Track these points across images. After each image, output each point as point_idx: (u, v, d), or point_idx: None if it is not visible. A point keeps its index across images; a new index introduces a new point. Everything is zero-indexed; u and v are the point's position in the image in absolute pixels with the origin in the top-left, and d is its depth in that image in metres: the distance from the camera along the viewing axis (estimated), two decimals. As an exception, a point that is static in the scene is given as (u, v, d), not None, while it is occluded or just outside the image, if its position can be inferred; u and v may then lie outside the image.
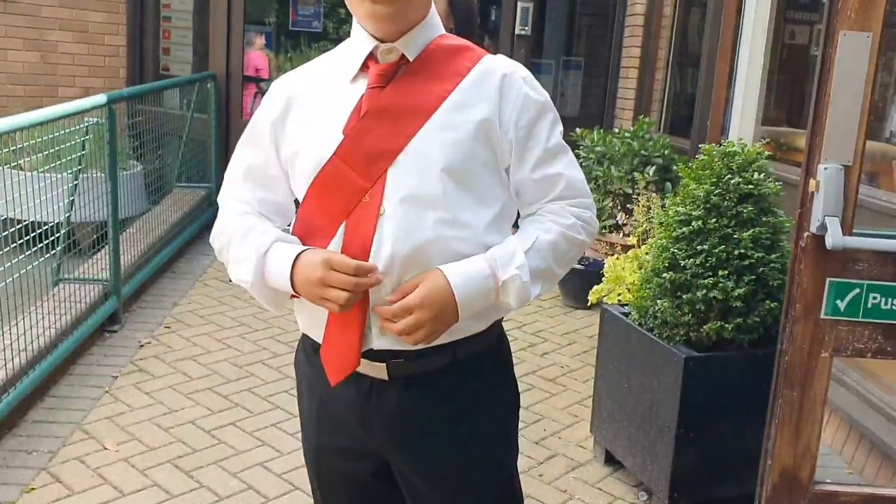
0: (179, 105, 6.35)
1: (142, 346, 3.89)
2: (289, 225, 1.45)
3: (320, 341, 1.40)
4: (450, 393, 1.42)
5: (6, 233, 3.13)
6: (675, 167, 4.91)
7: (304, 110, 1.40)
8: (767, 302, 2.67)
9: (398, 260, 1.31)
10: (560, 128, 1.45)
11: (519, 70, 1.41)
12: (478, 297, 1.33)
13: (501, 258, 1.34)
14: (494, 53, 1.44)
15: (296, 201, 1.45)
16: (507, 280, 1.33)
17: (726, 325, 2.64)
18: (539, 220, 1.41)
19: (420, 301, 1.29)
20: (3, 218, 3.16)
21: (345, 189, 1.34)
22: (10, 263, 3.14)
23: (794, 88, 5.89)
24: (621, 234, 4.87)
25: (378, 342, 1.36)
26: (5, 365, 3.04)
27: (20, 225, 3.35)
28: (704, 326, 2.66)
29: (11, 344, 3.12)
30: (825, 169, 2.20)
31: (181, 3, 6.60)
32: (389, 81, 1.36)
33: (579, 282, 4.85)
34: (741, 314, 2.65)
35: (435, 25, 1.42)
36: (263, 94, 6.11)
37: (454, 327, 1.35)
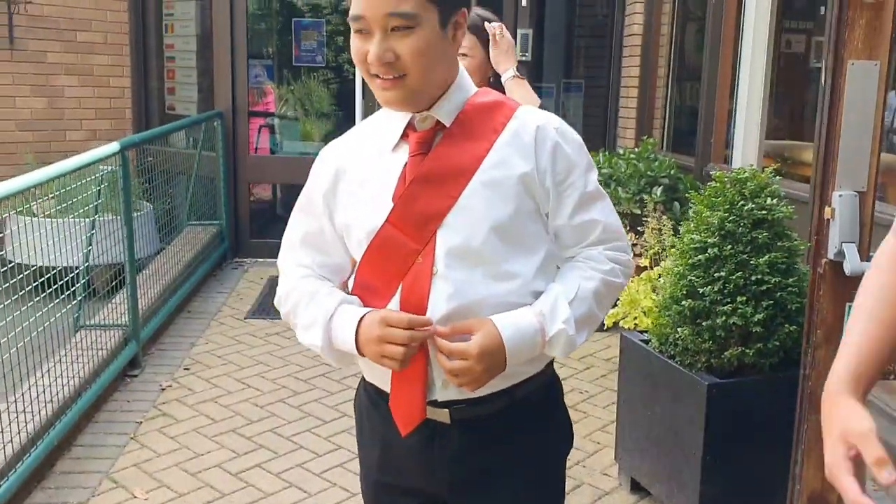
0: (186, 143, 6.40)
1: (163, 389, 3.91)
2: (349, 277, 1.52)
3: (386, 389, 1.46)
4: (507, 435, 1.48)
5: (18, 278, 3.15)
6: (681, 186, 4.96)
7: (353, 181, 1.46)
8: (786, 326, 2.69)
9: (454, 317, 1.37)
10: (595, 174, 1.49)
11: (552, 121, 1.45)
12: (525, 349, 1.38)
13: (549, 313, 1.38)
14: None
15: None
16: (555, 334, 1.38)
17: (747, 351, 2.66)
18: (579, 268, 1.45)
19: (478, 351, 1.34)
20: (15, 264, 3.17)
21: (399, 252, 1.40)
22: (37, 313, 3.17)
23: (796, 101, 5.94)
24: (631, 255, 4.90)
25: (441, 394, 1.42)
26: (33, 418, 3.06)
27: (27, 271, 3.37)
28: (725, 353, 2.68)
29: (38, 396, 3.14)
30: (840, 196, 2.23)
31: (184, 43, 6.67)
32: (430, 148, 1.42)
33: (592, 304, 4.89)
34: (761, 339, 2.67)
35: (466, 86, 1.46)
36: (268, 127, 6.15)
37: (508, 372, 1.40)
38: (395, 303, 1.40)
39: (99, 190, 3.89)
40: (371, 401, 1.54)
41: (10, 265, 3.00)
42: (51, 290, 3.37)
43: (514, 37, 6.05)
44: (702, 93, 5.39)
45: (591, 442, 3.51)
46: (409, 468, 1.51)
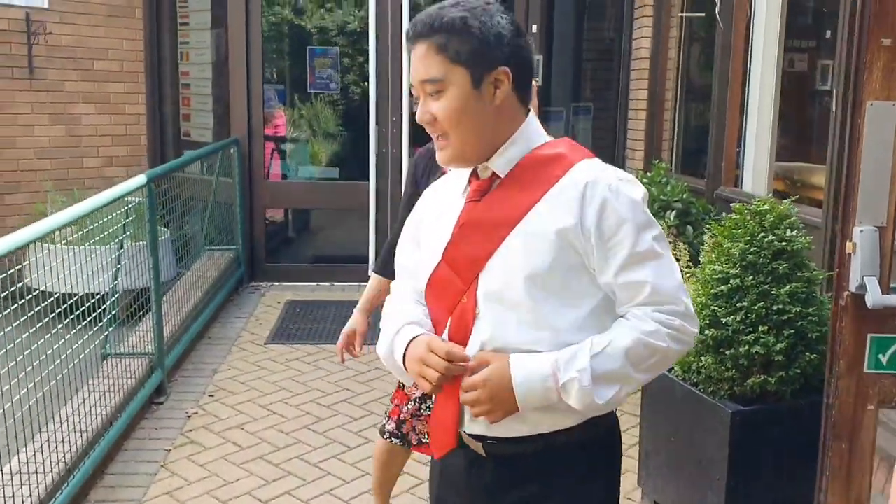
0: (201, 170, 6.49)
1: (189, 416, 3.98)
2: None
3: None
4: (538, 478, 1.54)
5: (42, 305, 3.22)
6: (693, 210, 5.04)
7: (431, 219, 1.62)
8: (807, 354, 2.76)
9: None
10: (653, 233, 1.48)
11: (607, 176, 1.48)
12: (536, 392, 1.44)
13: (566, 362, 1.43)
14: None
15: None
16: (567, 382, 1.42)
17: (769, 379, 2.73)
18: (621, 325, 1.48)
19: (482, 382, 1.45)
20: (39, 292, 3.21)
21: (448, 290, 1.53)
22: (61, 341, 3.24)
23: (803, 122, 6.03)
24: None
25: (470, 427, 1.52)
26: (70, 448, 3.13)
27: (51, 298, 3.44)
28: (748, 381, 2.75)
29: (73, 427, 3.21)
30: (861, 231, 2.30)
31: (200, 70, 6.78)
32: (484, 195, 1.53)
33: (607, 327, 4.95)
34: (782, 367, 2.74)
35: (529, 139, 1.54)
36: (279, 152, 6.22)
37: (540, 418, 1.48)
38: (445, 336, 1.53)
39: (125, 222, 3.96)
40: None
41: (34, 293, 3.02)
42: (72, 316, 3.41)
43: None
44: (711, 115, 5.47)
45: (612, 466, 3.57)
46: (458, 489, 1.62)
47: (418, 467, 3.49)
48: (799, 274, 2.80)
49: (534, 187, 1.49)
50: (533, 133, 1.55)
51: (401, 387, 2.74)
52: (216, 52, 6.64)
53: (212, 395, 4.23)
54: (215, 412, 4.04)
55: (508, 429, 1.49)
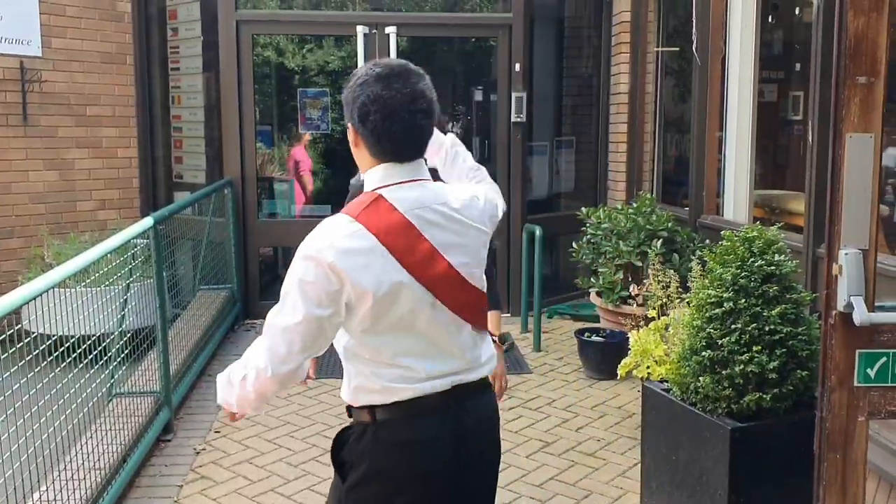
0: (193, 210, 6.59)
1: (198, 452, 4.05)
2: None
3: None
4: None
5: (41, 348, 3.30)
6: (678, 238, 5.22)
7: None
8: (798, 371, 2.92)
9: None
10: (294, 271, 1.74)
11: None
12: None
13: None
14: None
15: None
16: None
17: (764, 396, 2.89)
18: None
19: None
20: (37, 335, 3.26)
21: None
22: (61, 381, 3.32)
23: (779, 151, 6.27)
24: (634, 305, 5.13)
25: None
26: (87, 487, 3.20)
27: (48, 341, 3.52)
28: (744, 398, 2.90)
29: (92, 465, 3.28)
30: (846, 254, 2.47)
31: (191, 114, 6.91)
32: None
33: (599, 354, 5.10)
34: (776, 385, 2.90)
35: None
36: (273, 192, 6.31)
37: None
38: None
39: (131, 267, 4.06)
40: None
41: (32, 336, 3.03)
42: (71, 358, 3.44)
43: (509, 99, 6.40)
44: (691, 146, 5.68)
45: (614, 488, 3.69)
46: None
47: None
48: (788, 296, 2.96)
49: None
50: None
51: None
52: (207, 95, 6.78)
53: (218, 432, 4.31)
54: (223, 447, 4.12)
55: None
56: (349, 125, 1.83)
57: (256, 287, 6.57)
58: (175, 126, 6.92)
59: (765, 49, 5.49)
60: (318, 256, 1.69)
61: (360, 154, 1.85)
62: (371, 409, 1.81)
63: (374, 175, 1.82)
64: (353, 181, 2.98)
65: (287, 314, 1.72)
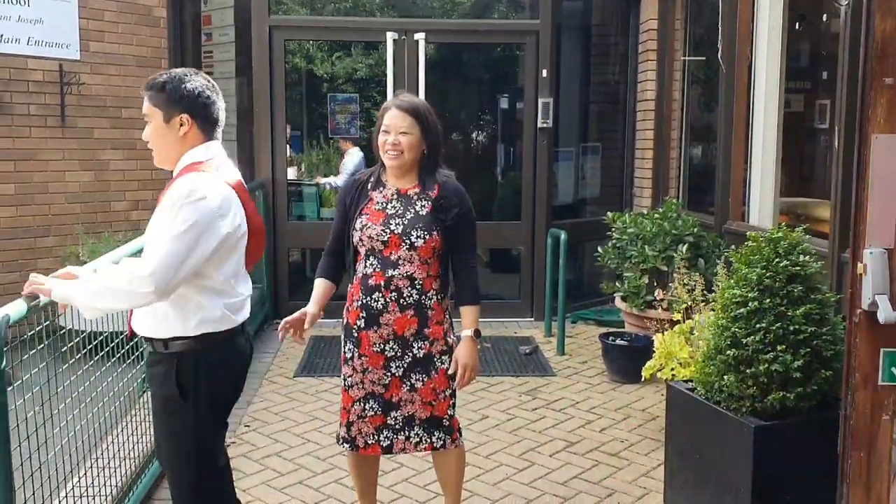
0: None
1: (228, 445, 4.12)
2: None
3: None
4: None
5: (72, 341, 3.41)
6: (704, 244, 5.25)
7: None
8: (823, 371, 2.95)
9: None
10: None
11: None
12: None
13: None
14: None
15: None
16: None
17: (788, 395, 2.92)
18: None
19: None
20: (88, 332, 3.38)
21: None
22: (93, 374, 3.42)
23: (805, 159, 6.28)
24: (659, 309, 5.17)
25: None
26: (122, 474, 3.30)
27: (78, 337, 3.62)
28: (768, 397, 2.94)
29: (126, 455, 3.38)
30: (871, 253, 2.51)
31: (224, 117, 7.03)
32: None
33: (624, 357, 5.14)
34: (800, 384, 2.93)
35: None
36: (304, 195, 6.45)
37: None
38: None
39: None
40: None
41: (62, 330, 3.14)
42: (102, 353, 3.55)
43: (536, 105, 6.47)
44: (718, 154, 5.71)
45: (637, 487, 3.73)
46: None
47: (412, 459, 3.68)
48: (812, 296, 3.00)
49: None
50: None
51: (346, 388, 2.96)
52: (239, 99, 6.91)
53: (248, 426, 4.40)
54: (252, 441, 4.20)
55: None
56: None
57: (285, 287, 6.67)
58: (209, 129, 7.03)
59: (792, 58, 5.52)
60: None
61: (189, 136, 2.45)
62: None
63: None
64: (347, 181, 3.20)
65: None
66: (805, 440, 2.95)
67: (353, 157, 7.60)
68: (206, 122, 2.43)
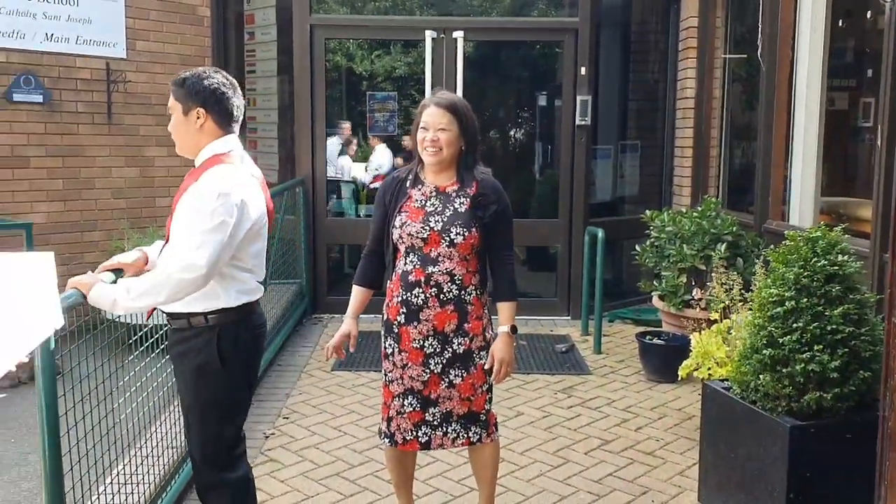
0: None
1: (267, 437, 4.22)
2: None
3: None
4: None
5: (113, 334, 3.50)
6: (743, 243, 5.21)
7: None
8: (861, 372, 2.93)
9: None
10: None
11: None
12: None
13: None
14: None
15: None
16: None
17: (825, 395, 2.90)
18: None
19: None
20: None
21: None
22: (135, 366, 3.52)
23: (848, 158, 6.19)
24: (697, 309, 5.14)
25: None
26: (165, 464, 3.39)
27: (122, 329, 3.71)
28: (805, 397, 2.92)
29: (169, 445, 3.47)
30: (910, 253, 2.49)
31: (266, 115, 7.16)
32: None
33: (660, 356, 5.12)
34: (838, 384, 2.91)
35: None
36: (342, 192, 6.56)
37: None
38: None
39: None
40: None
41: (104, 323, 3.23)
42: (146, 345, 3.64)
43: (574, 102, 6.47)
44: (758, 152, 5.66)
45: (672, 486, 3.73)
46: None
47: (448, 454, 3.71)
48: (851, 296, 2.98)
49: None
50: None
51: (386, 384, 3.01)
52: (281, 97, 7.01)
53: (286, 418, 4.48)
54: (291, 433, 4.28)
55: None
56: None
57: (324, 282, 6.76)
58: (250, 127, 7.16)
59: (835, 55, 5.44)
60: None
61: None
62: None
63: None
64: (386, 179, 3.21)
65: None
66: (842, 441, 2.93)
67: (379, 153, 7.68)
68: (221, 116, 2.61)
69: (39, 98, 6.16)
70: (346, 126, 7.85)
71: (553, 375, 5.30)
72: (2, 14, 5.94)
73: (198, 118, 2.58)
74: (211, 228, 2.43)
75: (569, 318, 6.70)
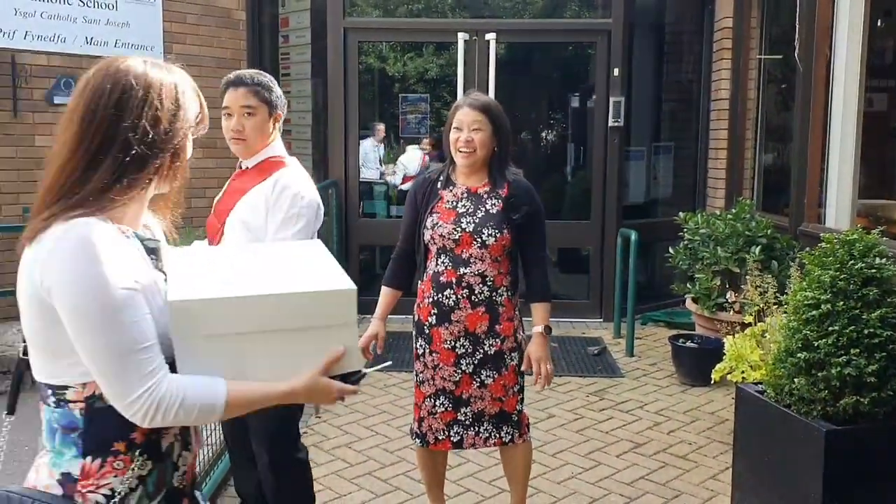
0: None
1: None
2: None
3: None
4: None
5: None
6: (778, 245, 5.16)
7: None
8: (899, 376, 2.88)
9: None
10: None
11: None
12: None
13: None
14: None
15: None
16: None
17: (862, 400, 2.86)
18: None
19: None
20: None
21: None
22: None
23: (887, 161, 6.10)
24: (731, 312, 5.10)
25: None
26: (200, 461, 3.44)
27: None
28: (841, 401, 2.88)
29: (204, 442, 3.53)
30: (949, 257, 2.46)
31: (300, 118, 7.22)
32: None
33: (693, 360, 5.09)
34: (875, 389, 2.87)
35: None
36: (374, 193, 6.65)
37: None
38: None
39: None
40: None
41: None
42: None
43: (607, 103, 6.45)
44: (793, 154, 5.60)
45: (705, 489, 3.71)
46: None
47: (479, 454, 3.71)
48: (889, 300, 2.93)
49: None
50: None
51: (417, 385, 3.02)
52: (315, 100, 7.08)
53: (319, 417, 4.52)
54: (323, 432, 4.32)
55: None
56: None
57: (356, 283, 6.78)
58: (285, 129, 7.22)
59: (874, 55, 5.37)
60: None
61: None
62: None
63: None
64: (418, 180, 3.23)
65: None
66: (879, 446, 2.89)
67: (409, 154, 7.71)
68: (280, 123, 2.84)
69: (79, 101, 6.28)
70: (381, 128, 7.90)
71: (585, 378, 5.28)
72: (43, 18, 6.07)
73: (275, 122, 2.77)
74: (298, 230, 2.62)
75: (601, 320, 6.68)
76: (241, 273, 1.64)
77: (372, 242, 7.22)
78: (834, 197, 5.25)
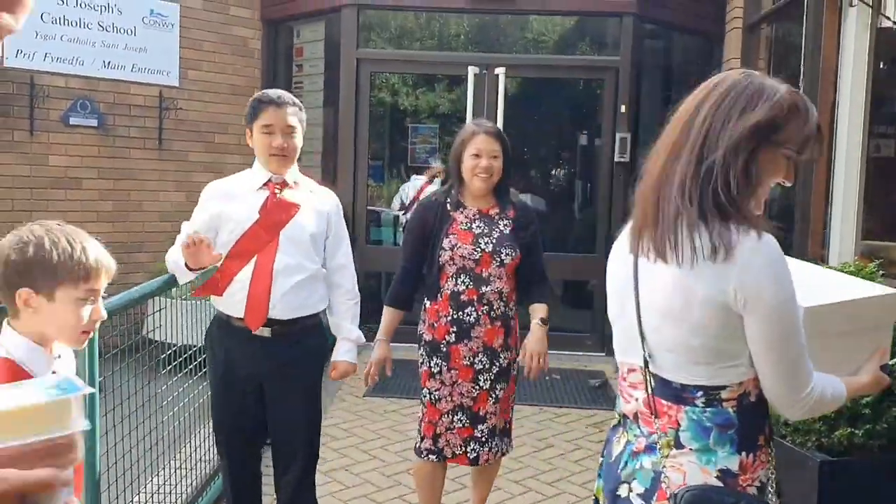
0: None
1: (298, 457, 4.26)
2: None
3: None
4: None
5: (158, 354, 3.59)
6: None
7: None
8: (894, 409, 2.90)
9: None
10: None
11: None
12: None
13: None
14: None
15: None
16: None
17: (856, 432, 2.88)
18: None
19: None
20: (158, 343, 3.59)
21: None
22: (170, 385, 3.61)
23: (892, 205, 6.13)
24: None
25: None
26: (197, 476, 3.46)
27: (169, 350, 3.81)
28: (836, 433, 2.90)
29: (202, 458, 3.55)
30: (942, 289, 2.49)
31: (309, 145, 7.31)
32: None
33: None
34: (869, 421, 2.89)
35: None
36: (383, 220, 6.65)
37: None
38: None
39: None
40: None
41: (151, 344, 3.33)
42: (185, 362, 3.75)
43: (613, 139, 6.53)
44: (797, 194, 5.64)
45: (700, 521, 3.69)
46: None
47: (467, 478, 3.72)
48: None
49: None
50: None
51: (432, 403, 3.05)
52: (326, 128, 7.18)
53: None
54: (321, 454, 4.30)
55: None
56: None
57: (365, 310, 6.82)
58: (295, 156, 7.32)
59: (881, 102, 5.43)
60: None
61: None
62: None
63: None
64: (426, 204, 3.29)
65: None
66: (873, 478, 2.90)
67: (412, 183, 7.77)
68: None
69: (94, 122, 6.40)
70: (437, 167, 7.93)
71: (585, 410, 5.28)
72: (63, 41, 6.21)
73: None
74: (348, 244, 3.19)
75: (604, 354, 6.68)
76: (819, 283, 1.84)
77: (378, 269, 7.27)
78: (837, 237, 5.28)
